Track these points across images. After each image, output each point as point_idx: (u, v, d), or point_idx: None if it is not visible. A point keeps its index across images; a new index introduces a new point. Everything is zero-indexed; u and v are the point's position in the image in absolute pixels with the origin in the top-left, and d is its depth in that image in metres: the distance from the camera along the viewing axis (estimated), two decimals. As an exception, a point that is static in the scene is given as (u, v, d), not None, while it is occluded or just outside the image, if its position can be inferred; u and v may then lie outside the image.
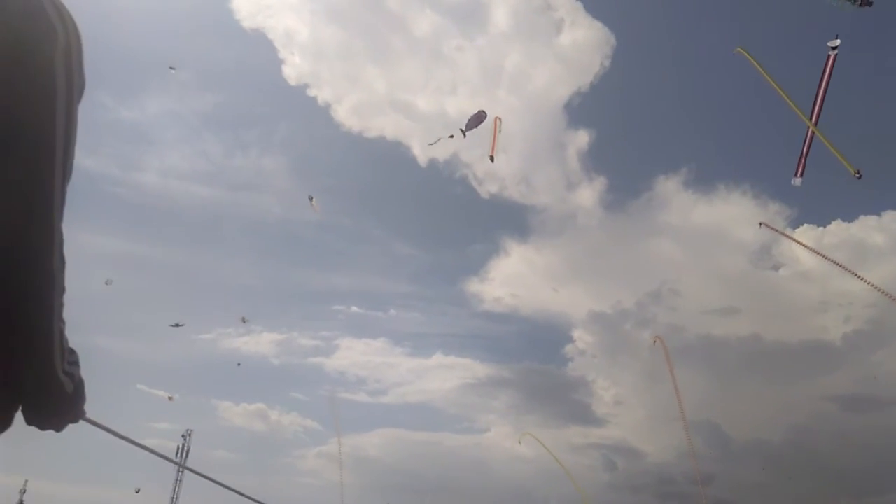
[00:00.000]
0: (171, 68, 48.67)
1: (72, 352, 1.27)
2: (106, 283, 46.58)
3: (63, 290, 1.16)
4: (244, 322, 49.41)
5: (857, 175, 15.49)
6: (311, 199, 38.60)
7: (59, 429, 1.34)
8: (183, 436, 64.59)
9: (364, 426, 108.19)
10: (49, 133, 1.04)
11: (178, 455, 62.30)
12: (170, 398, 49.74)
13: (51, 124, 1.04)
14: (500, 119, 25.28)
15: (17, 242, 1.05)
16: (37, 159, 1.04)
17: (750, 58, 18.64)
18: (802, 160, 17.45)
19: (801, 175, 17.91)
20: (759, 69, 18.02)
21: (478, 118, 24.82)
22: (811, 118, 16.92)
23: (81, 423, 1.52)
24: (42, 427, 1.31)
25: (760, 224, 26.91)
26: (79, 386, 1.32)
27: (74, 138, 1.09)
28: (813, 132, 16.81)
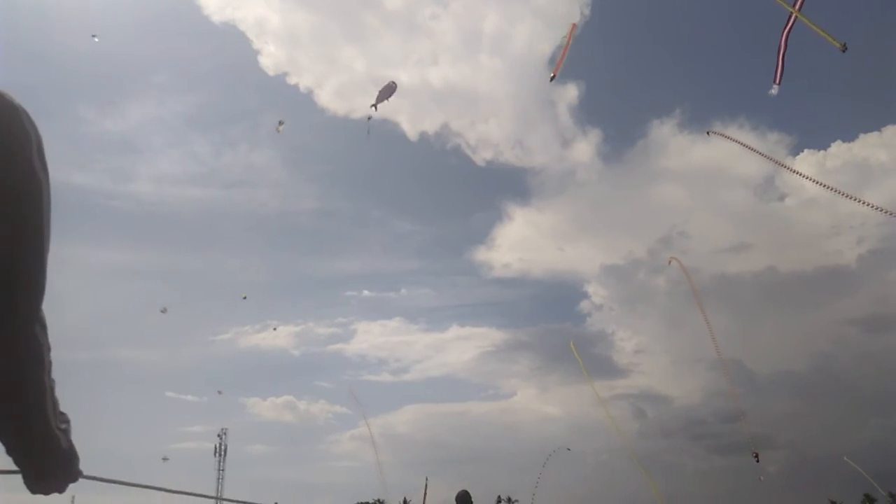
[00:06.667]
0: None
1: (63, 413, 1.35)
2: (162, 312, 46.82)
3: (49, 347, 1.25)
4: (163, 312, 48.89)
5: (843, 48, 14.71)
6: (280, 123, 38.77)
7: (61, 489, 1.40)
8: (219, 435, 65.68)
9: (391, 405, 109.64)
10: (40, 226, 1.18)
11: (217, 455, 63.48)
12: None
13: (40, 217, 1.18)
14: (575, 26, 22.88)
15: (12, 318, 1.18)
16: (37, 250, 1.18)
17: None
18: (779, 65, 16.56)
19: (779, 82, 17.00)
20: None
21: (388, 89, 24.27)
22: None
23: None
24: (45, 489, 1.38)
25: (708, 132, 25.07)
26: (72, 446, 1.38)
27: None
28: (790, 29, 15.66)
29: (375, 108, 24.28)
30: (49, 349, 1.26)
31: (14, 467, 1.35)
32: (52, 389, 1.29)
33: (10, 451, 1.30)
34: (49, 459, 1.33)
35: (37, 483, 1.36)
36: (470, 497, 8.67)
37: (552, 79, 23.34)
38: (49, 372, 1.27)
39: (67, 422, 1.36)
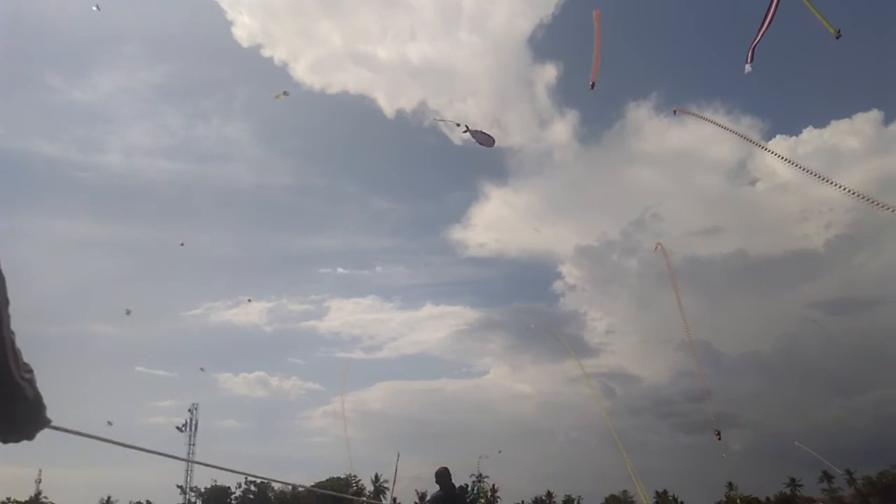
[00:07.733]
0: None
1: (26, 364, 1.37)
2: (126, 313, 49.12)
3: (7, 301, 1.28)
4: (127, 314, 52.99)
5: (837, 35, 14.40)
6: (284, 92, 39.62)
7: (30, 436, 1.43)
8: (189, 410, 65.22)
9: (364, 382, 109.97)
10: None
11: (188, 429, 62.90)
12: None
13: None
14: (599, 13, 21.13)
15: None
16: None
17: None
18: (757, 40, 16.12)
19: (751, 61, 16.65)
20: None
21: (486, 138, 23.73)
22: None
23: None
24: (14, 436, 1.40)
25: (675, 111, 24.80)
26: (38, 394, 1.42)
27: None
28: (776, 7, 15.14)
29: (467, 129, 23.38)
30: (8, 303, 1.28)
31: None
32: (13, 342, 1.32)
33: None
34: (16, 408, 1.37)
35: (7, 432, 1.39)
36: (449, 474, 8.68)
37: (592, 86, 21.83)
38: (8, 326, 1.30)
39: (31, 371, 1.40)
